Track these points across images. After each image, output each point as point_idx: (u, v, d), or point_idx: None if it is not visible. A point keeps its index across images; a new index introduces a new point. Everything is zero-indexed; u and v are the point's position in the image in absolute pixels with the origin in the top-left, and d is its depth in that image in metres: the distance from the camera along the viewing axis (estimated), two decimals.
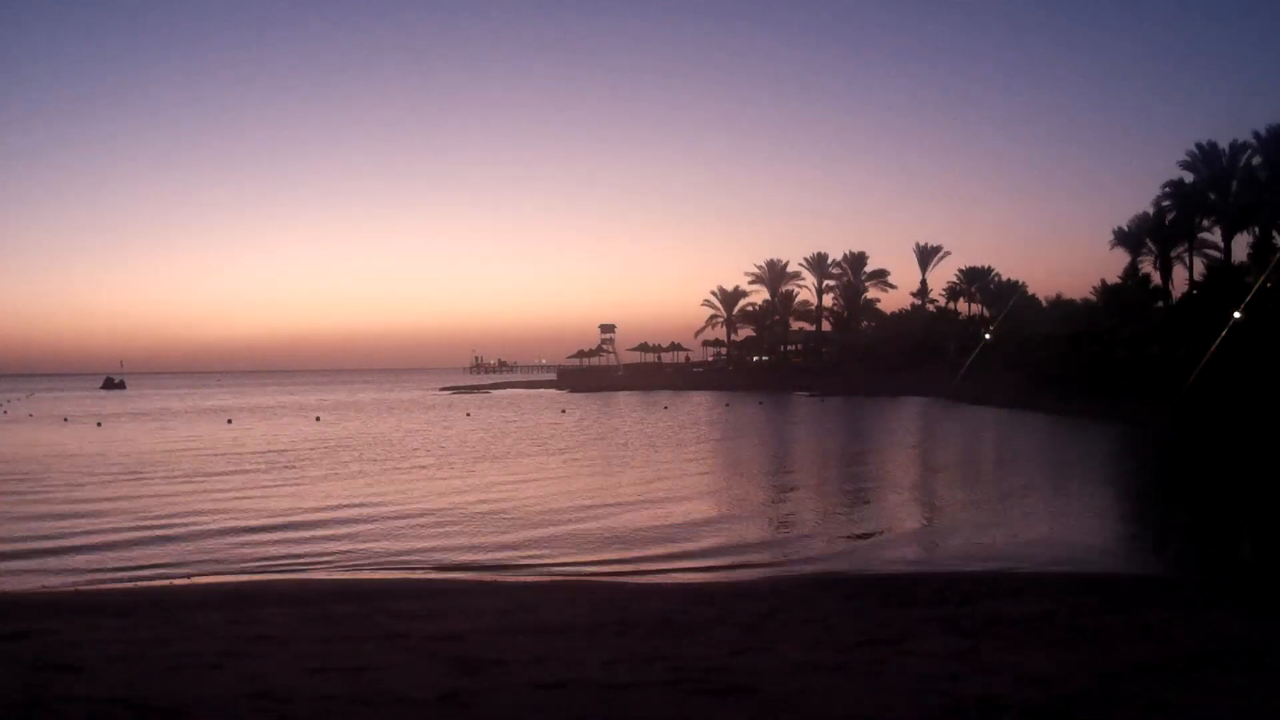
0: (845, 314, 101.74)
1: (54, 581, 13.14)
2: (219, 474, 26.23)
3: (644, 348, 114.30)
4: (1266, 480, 23.68)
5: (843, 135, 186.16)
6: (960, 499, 20.16)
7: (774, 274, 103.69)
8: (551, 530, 16.83)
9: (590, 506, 19.57)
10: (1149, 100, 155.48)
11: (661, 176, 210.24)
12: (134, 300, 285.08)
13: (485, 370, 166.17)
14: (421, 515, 18.56)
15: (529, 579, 13.08)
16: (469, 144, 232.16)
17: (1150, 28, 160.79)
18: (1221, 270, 53.08)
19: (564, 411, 57.87)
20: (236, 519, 18.26)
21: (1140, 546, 15.13)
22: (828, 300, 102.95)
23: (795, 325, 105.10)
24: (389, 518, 18.33)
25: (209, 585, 12.71)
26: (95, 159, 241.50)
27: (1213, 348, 42.40)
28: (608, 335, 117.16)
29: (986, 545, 14.85)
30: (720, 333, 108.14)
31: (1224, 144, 54.70)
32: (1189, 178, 56.70)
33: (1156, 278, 61.56)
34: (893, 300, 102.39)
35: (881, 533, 16.32)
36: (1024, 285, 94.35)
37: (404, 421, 50.56)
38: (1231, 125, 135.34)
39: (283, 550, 15.29)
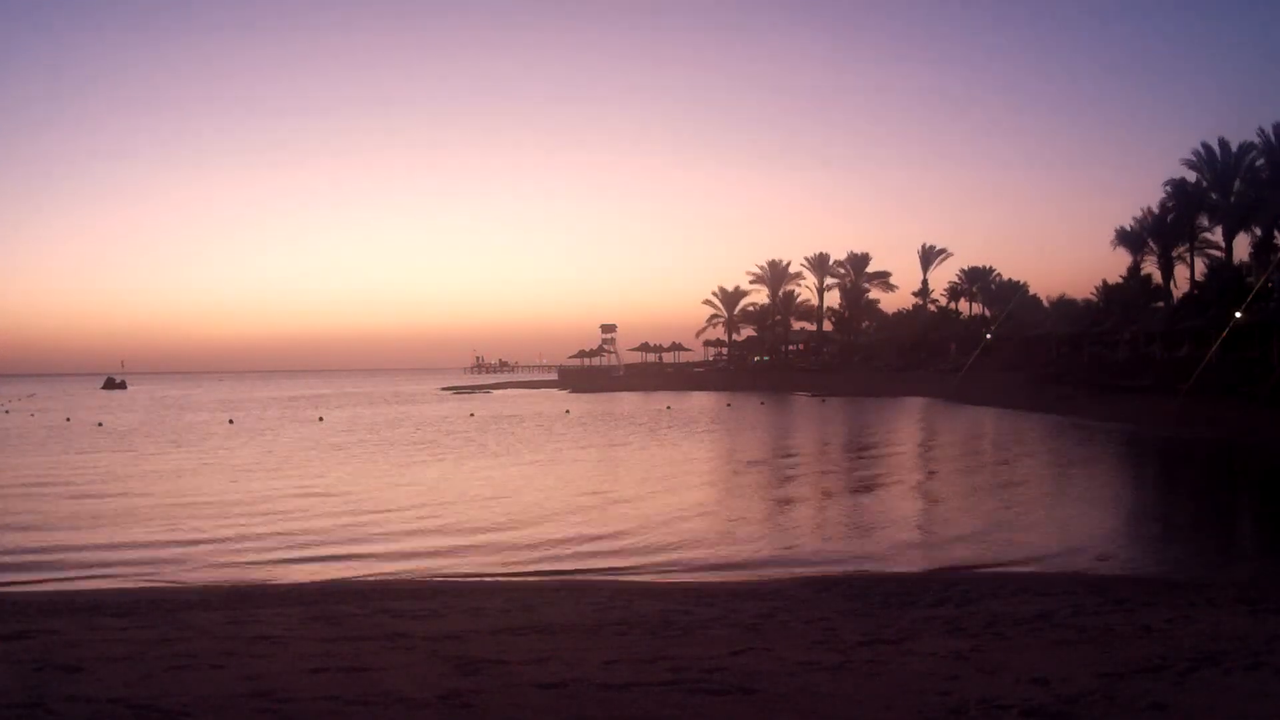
0: (847, 314, 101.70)
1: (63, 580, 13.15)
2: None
3: (645, 348, 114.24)
4: (1267, 480, 23.66)
5: (844, 135, 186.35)
6: (961, 499, 20.14)
7: (775, 274, 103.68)
8: (551, 530, 16.83)
9: (590, 506, 19.58)
10: (1151, 100, 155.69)
11: (663, 176, 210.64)
12: (134, 300, 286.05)
13: (486, 370, 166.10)
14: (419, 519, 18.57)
15: (529, 579, 13.07)
16: (470, 143, 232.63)
17: (1152, 27, 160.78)
18: (1223, 270, 53.07)
19: (567, 412, 57.85)
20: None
21: (1141, 546, 15.11)
22: (829, 300, 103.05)
23: (796, 325, 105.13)
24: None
25: (209, 585, 12.71)
26: (95, 159, 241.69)
27: (1214, 347, 42.37)
28: (609, 335, 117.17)
29: (987, 545, 14.84)
30: (721, 333, 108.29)
31: (1229, 143, 54.65)
32: (1191, 177, 56.70)
33: (1158, 277, 61.63)
34: (894, 300, 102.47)
35: (882, 533, 16.31)
36: (1025, 285, 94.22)
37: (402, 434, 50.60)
38: (1234, 125, 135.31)
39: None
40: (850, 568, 13.40)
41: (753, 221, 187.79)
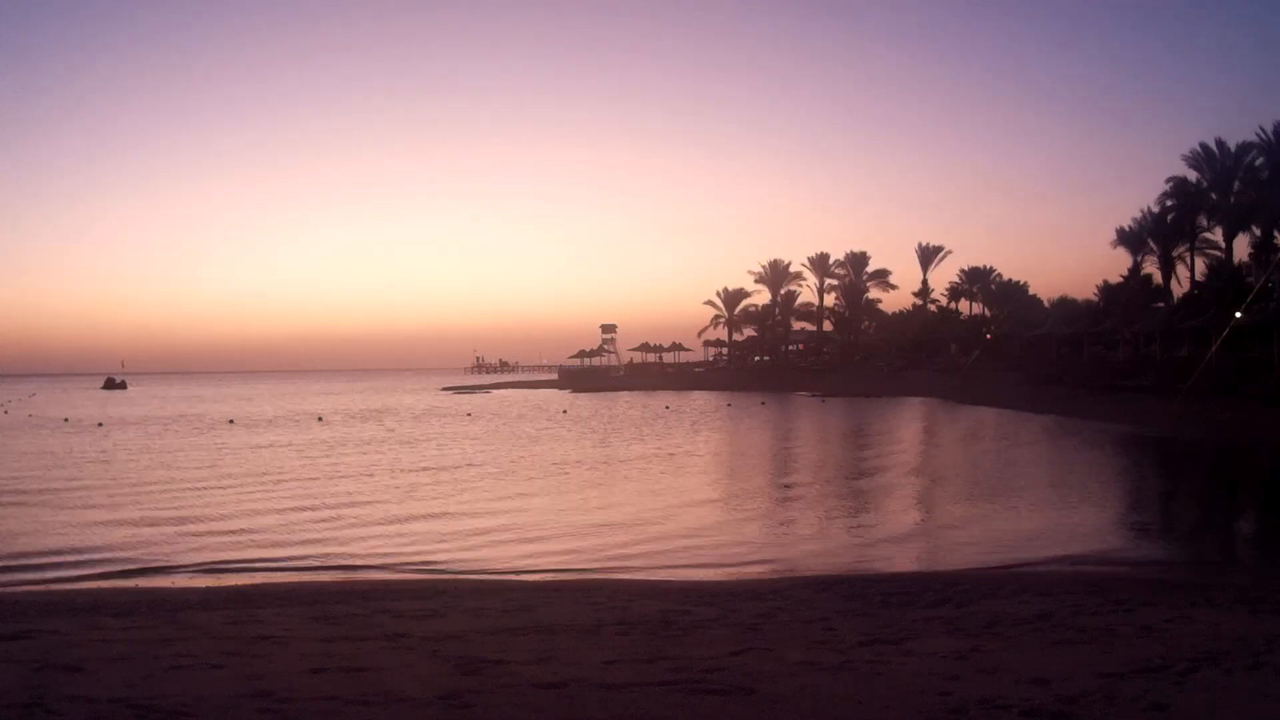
0: (847, 314, 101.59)
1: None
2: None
3: (645, 348, 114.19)
4: (1267, 480, 23.66)
5: (845, 135, 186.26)
6: (961, 499, 20.14)
7: (776, 274, 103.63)
8: (553, 530, 16.84)
9: (591, 506, 19.59)
10: (1151, 100, 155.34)
11: (664, 176, 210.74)
12: (135, 300, 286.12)
13: (486, 370, 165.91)
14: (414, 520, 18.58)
15: (529, 579, 13.07)
16: (471, 143, 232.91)
17: (1152, 27, 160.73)
18: (1223, 270, 53.07)
19: (565, 412, 57.84)
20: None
21: (1141, 547, 15.10)
22: (829, 300, 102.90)
23: (797, 325, 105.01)
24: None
25: (210, 585, 12.72)
26: (95, 159, 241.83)
27: (1214, 347, 42.36)
28: (609, 335, 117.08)
29: (987, 545, 14.83)
30: (722, 333, 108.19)
31: (1229, 143, 54.62)
32: (1191, 177, 56.69)
33: (1158, 277, 61.65)
34: (894, 300, 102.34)
35: (883, 533, 16.31)
36: (1026, 285, 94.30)
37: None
38: (1234, 125, 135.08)
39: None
40: (850, 567, 13.40)
41: (753, 221, 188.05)
